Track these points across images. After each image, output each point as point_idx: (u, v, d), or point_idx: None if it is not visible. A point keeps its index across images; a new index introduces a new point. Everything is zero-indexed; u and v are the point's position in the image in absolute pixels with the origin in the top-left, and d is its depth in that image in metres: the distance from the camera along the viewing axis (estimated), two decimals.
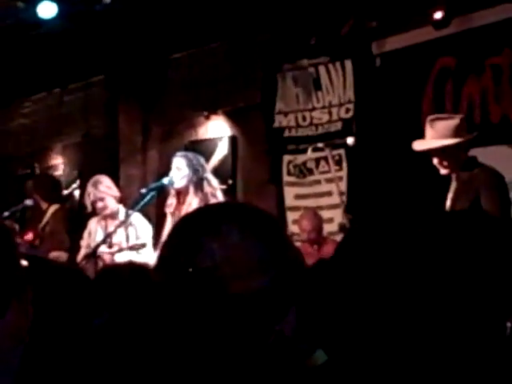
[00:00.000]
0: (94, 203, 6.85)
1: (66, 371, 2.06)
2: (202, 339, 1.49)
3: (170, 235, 1.57)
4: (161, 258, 1.57)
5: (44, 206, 8.18)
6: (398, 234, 1.85)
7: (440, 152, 5.45)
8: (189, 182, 6.25)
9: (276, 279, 1.50)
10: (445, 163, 5.46)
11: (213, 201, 6.06)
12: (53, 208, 8.16)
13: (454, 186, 5.52)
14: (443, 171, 5.50)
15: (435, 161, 5.49)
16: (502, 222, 1.85)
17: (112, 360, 2.20)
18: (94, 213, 7.06)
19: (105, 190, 6.86)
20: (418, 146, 5.65)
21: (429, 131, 5.56)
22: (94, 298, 2.44)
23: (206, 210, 1.67)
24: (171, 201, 6.36)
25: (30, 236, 8.04)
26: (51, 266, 2.36)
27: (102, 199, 6.83)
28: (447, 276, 1.67)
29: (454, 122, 5.53)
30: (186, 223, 1.58)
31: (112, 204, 6.88)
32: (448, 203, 5.50)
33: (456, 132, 5.46)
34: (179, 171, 6.29)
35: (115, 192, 6.96)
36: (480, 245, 1.71)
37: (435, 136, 5.50)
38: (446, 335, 1.64)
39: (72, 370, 2.07)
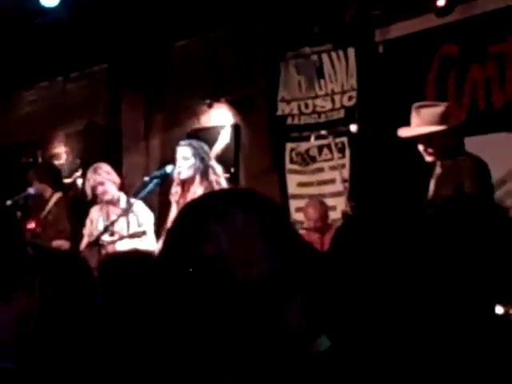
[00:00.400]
0: (94, 188, 6.89)
1: (71, 357, 2.06)
2: (206, 326, 1.49)
3: (176, 221, 1.57)
4: (166, 245, 1.57)
5: (47, 194, 8.18)
6: (396, 221, 1.85)
7: (425, 139, 5.47)
8: (196, 171, 6.24)
9: (281, 266, 1.50)
10: (430, 150, 5.47)
11: (217, 188, 6.05)
12: (56, 196, 8.17)
13: (437, 172, 5.55)
14: (428, 158, 5.52)
15: (420, 148, 5.51)
16: (487, 208, 1.86)
17: (112, 348, 2.21)
18: (95, 201, 7.09)
19: (104, 175, 6.91)
20: (404, 132, 5.66)
21: (414, 118, 5.58)
22: (97, 284, 2.44)
23: (212, 196, 1.67)
24: (176, 189, 6.35)
25: (32, 225, 8.04)
26: (55, 254, 2.36)
27: (101, 183, 6.88)
28: (441, 262, 1.68)
29: (439, 109, 5.54)
30: (191, 209, 1.58)
31: (112, 189, 6.92)
32: (431, 190, 5.52)
33: (441, 119, 5.48)
34: (186, 161, 6.27)
35: (115, 178, 7.00)
36: (470, 232, 1.73)
37: (420, 123, 5.52)
38: (443, 322, 1.64)
39: (76, 355, 2.08)
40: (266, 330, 1.49)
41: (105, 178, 6.90)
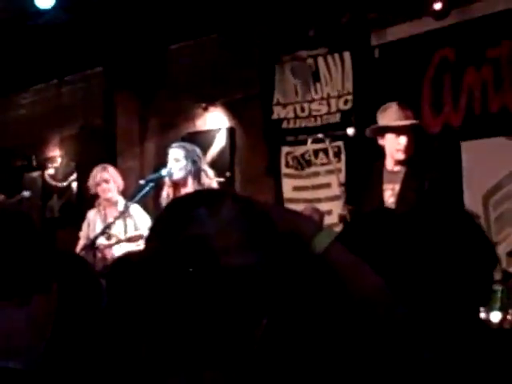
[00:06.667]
0: (98, 184, 6.97)
1: (89, 364, 2.06)
2: (191, 310, 1.46)
3: (162, 212, 1.56)
4: (152, 230, 1.57)
5: None
6: (396, 223, 1.84)
7: (410, 131, 5.49)
8: (187, 173, 6.22)
9: (265, 257, 1.48)
10: (411, 145, 5.48)
11: None
12: None
13: (398, 171, 5.60)
14: (402, 156, 5.54)
15: (403, 140, 5.49)
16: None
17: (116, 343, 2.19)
18: (92, 204, 7.12)
19: (111, 174, 7.06)
20: (397, 122, 5.61)
21: (389, 114, 5.61)
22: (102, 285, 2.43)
23: (200, 191, 1.66)
24: (167, 191, 6.33)
25: None
26: (65, 255, 2.35)
27: (107, 181, 6.99)
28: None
29: (402, 107, 5.65)
30: (178, 201, 1.58)
31: (114, 190, 7.00)
32: (393, 189, 5.55)
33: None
34: (177, 162, 6.25)
35: (119, 181, 7.12)
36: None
37: (395, 118, 5.53)
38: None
39: (93, 362, 2.07)
40: (250, 321, 1.47)
41: (111, 177, 7.02)
